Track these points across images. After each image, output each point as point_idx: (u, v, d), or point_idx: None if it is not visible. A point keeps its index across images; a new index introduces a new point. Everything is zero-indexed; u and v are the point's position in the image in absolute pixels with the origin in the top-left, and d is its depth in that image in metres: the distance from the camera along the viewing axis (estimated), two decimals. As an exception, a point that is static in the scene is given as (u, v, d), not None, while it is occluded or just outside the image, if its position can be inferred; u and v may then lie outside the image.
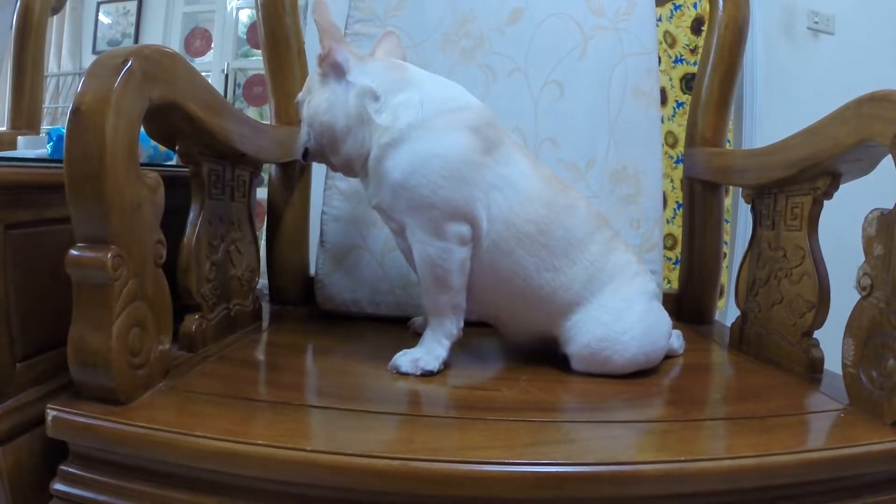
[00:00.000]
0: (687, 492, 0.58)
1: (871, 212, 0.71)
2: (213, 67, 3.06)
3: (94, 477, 0.62)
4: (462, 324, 0.81)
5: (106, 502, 0.61)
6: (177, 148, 0.81)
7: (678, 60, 2.03)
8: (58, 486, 0.62)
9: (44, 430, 0.62)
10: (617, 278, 0.82)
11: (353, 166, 0.84)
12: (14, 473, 0.69)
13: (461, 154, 0.77)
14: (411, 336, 0.94)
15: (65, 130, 0.60)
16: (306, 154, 0.88)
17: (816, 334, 0.83)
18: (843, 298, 0.78)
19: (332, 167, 0.89)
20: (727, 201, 1.30)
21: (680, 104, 2.03)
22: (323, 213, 1.10)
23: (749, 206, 0.99)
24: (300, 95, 0.88)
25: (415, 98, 0.79)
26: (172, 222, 0.75)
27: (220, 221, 0.88)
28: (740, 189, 1.04)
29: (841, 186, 0.83)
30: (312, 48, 0.94)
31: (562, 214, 0.81)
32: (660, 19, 1.98)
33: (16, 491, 0.69)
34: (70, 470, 0.62)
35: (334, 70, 0.82)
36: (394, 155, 0.77)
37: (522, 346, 0.88)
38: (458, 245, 0.77)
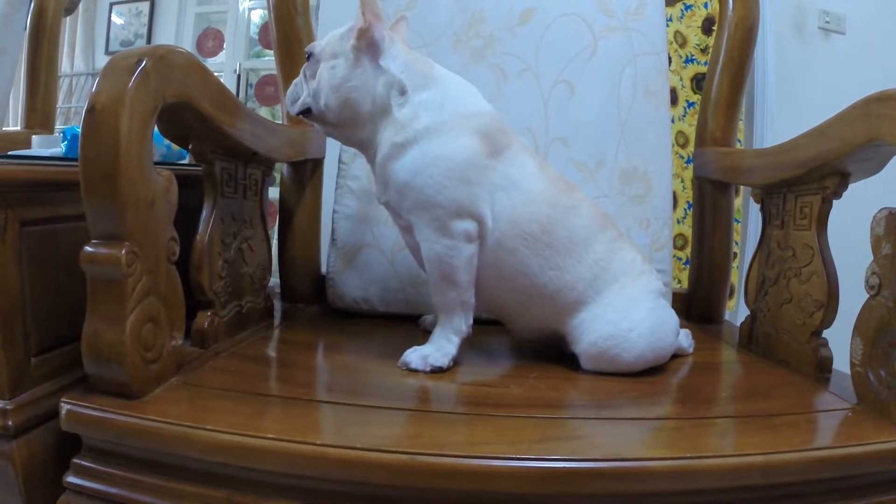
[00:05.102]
0: (694, 488, 0.58)
1: (880, 211, 0.71)
2: (225, 68, 3.08)
3: (106, 470, 0.63)
4: (471, 321, 0.82)
5: (118, 495, 0.62)
6: (190, 147, 0.82)
7: (689, 60, 2.03)
8: (71, 478, 0.63)
9: (57, 423, 0.63)
10: (622, 277, 0.82)
11: (363, 151, 0.85)
12: (28, 466, 0.69)
13: (467, 157, 0.78)
14: (422, 334, 0.94)
15: (80, 129, 0.61)
16: (307, 112, 0.85)
17: (825, 333, 0.84)
18: (852, 298, 0.78)
19: (335, 137, 0.88)
20: (737, 201, 1.30)
21: (691, 104, 2.02)
22: (334, 211, 1.11)
23: (759, 205, 0.99)
24: (316, 48, 0.84)
25: (436, 99, 0.80)
26: (185, 220, 0.76)
27: (232, 220, 0.89)
28: (750, 188, 1.04)
29: (850, 186, 0.83)
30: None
31: (566, 214, 0.81)
32: (670, 19, 1.98)
33: (29, 483, 0.69)
34: (83, 463, 0.64)
35: (370, 48, 0.80)
36: (403, 156, 0.78)
37: (531, 342, 0.89)
38: (465, 242, 0.78)
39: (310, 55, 0.84)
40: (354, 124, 0.82)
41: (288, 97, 0.88)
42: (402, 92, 0.80)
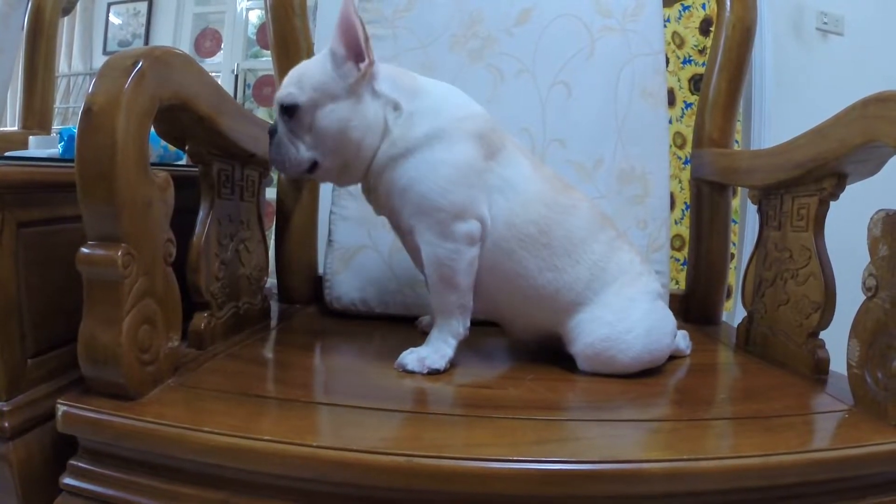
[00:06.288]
0: (691, 490, 0.58)
1: (877, 212, 0.71)
2: (222, 68, 3.07)
3: (102, 471, 0.63)
4: (469, 323, 0.82)
5: (114, 496, 0.62)
6: (187, 148, 0.82)
7: (687, 61, 2.02)
8: (67, 480, 0.63)
9: (54, 425, 0.63)
10: (620, 278, 0.82)
11: (352, 173, 0.82)
12: (24, 468, 0.69)
13: (467, 161, 0.78)
14: (419, 335, 0.94)
15: (76, 130, 0.61)
16: (314, 168, 0.81)
17: (822, 335, 0.84)
18: (849, 299, 0.78)
19: (334, 181, 0.86)
20: (734, 202, 1.30)
21: (688, 105, 2.02)
22: (331, 212, 1.11)
23: (756, 206, 0.99)
24: (300, 99, 0.77)
25: (429, 106, 0.80)
26: (182, 222, 0.76)
27: (229, 221, 0.89)
28: (747, 190, 1.04)
29: (847, 187, 0.83)
30: (322, 49, 0.94)
31: (563, 215, 0.81)
32: (668, 20, 1.98)
33: (26, 485, 0.69)
34: (79, 464, 0.63)
35: (368, 79, 0.78)
36: (404, 164, 0.78)
37: (528, 343, 0.89)
38: (468, 245, 0.78)
39: (294, 109, 0.77)
40: (357, 157, 0.79)
41: (275, 164, 0.81)
42: (396, 108, 0.79)
